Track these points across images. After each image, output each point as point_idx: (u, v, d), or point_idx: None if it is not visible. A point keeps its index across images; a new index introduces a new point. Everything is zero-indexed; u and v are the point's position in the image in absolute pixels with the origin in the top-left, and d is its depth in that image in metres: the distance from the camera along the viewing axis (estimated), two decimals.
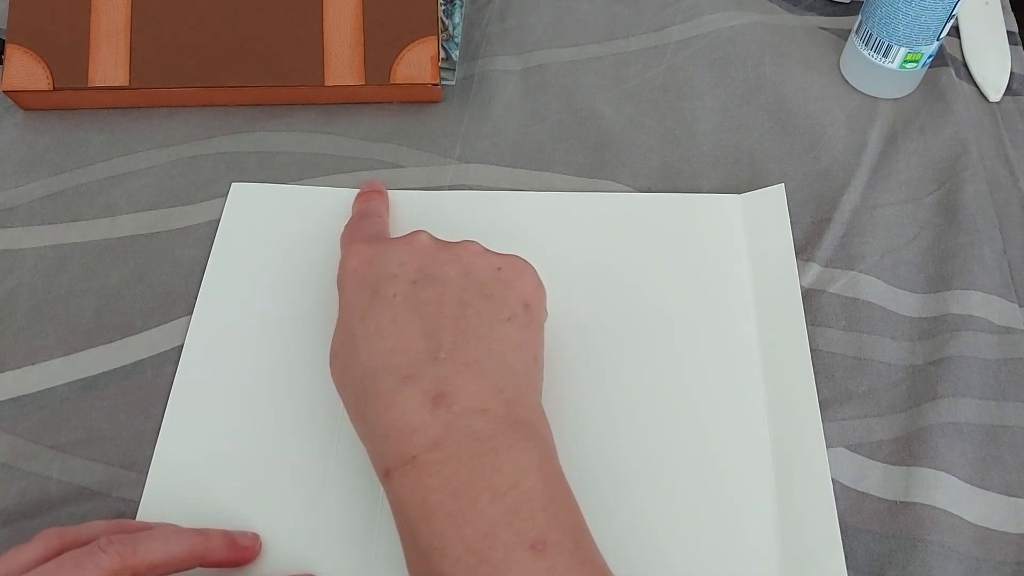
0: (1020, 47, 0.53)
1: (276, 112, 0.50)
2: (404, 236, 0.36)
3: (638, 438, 0.38)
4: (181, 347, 0.40)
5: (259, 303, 0.42)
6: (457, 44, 0.52)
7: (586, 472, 0.37)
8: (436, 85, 0.48)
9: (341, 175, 0.47)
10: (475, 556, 0.26)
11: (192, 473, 0.37)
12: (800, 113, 0.50)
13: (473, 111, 0.50)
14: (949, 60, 0.52)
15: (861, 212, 0.45)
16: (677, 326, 0.41)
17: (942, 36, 0.47)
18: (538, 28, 0.55)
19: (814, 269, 0.43)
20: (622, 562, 0.35)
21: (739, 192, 0.46)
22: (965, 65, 0.53)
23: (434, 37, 0.48)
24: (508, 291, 0.34)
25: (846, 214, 0.45)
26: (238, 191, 0.46)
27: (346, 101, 0.50)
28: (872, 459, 0.37)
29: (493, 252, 0.36)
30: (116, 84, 0.48)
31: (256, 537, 0.34)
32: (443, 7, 0.52)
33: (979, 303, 0.41)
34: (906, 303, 0.42)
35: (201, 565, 0.32)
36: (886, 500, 0.36)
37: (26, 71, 0.47)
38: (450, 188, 0.47)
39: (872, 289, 0.42)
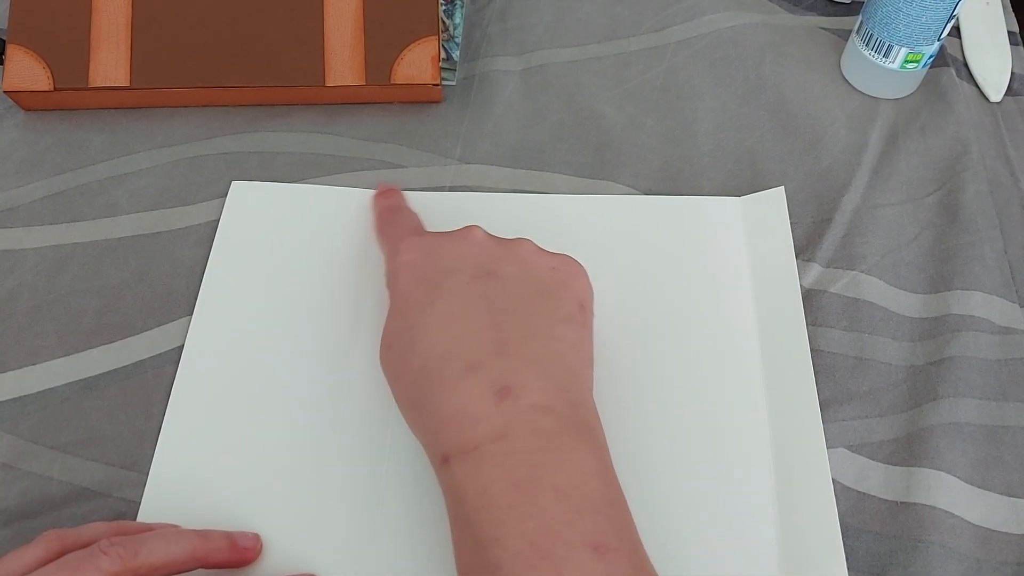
0: (1021, 47, 0.53)
1: (277, 112, 0.50)
2: (458, 231, 0.36)
3: (639, 439, 0.38)
4: (182, 347, 0.40)
5: (260, 302, 0.42)
6: (458, 44, 0.52)
7: None
8: (437, 85, 0.48)
9: (342, 175, 0.47)
10: (536, 551, 0.26)
11: (193, 473, 0.37)
12: (801, 113, 0.50)
13: (474, 111, 0.50)
14: (950, 60, 0.52)
15: (862, 212, 0.45)
16: (677, 328, 0.41)
17: (943, 36, 0.47)
18: (539, 28, 0.55)
19: (815, 269, 0.43)
20: None
21: (739, 192, 0.46)
22: (966, 65, 0.53)
23: (435, 37, 0.48)
24: (564, 291, 0.34)
25: (847, 214, 0.45)
26: (238, 190, 0.46)
27: (347, 101, 0.50)
28: (873, 459, 0.37)
29: (547, 251, 0.36)
30: (117, 84, 0.48)
31: (257, 538, 0.34)
32: (444, 7, 0.52)
33: (980, 303, 0.41)
34: (907, 303, 0.42)
35: (202, 566, 0.32)
36: (887, 500, 0.36)
37: (27, 71, 0.47)
38: (451, 188, 0.47)
39: (873, 289, 0.42)
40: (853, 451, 0.38)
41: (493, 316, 0.32)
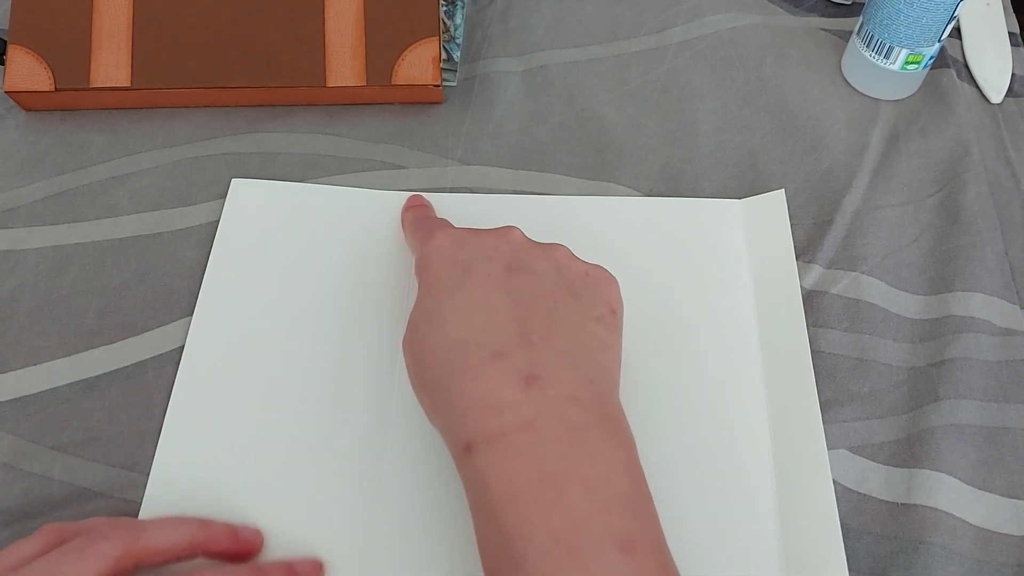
0: (1021, 48, 0.53)
1: (278, 113, 0.50)
2: (497, 228, 0.36)
3: (640, 440, 0.38)
4: (183, 347, 0.40)
5: (260, 301, 0.42)
6: (458, 45, 0.52)
7: None
8: (437, 86, 0.48)
9: (343, 176, 0.47)
10: (563, 548, 0.26)
11: (194, 474, 0.37)
12: (801, 114, 0.50)
13: (475, 112, 0.50)
14: (950, 61, 0.52)
15: (863, 213, 0.45)
16: (678, 329, 0.41)
17: (943, 37, 0.47)
18: (539, 29, 0.55)
19: (816, 270, 0.43)
20: None
21: (740, 193, 0.46)
22: (966, 66, 0.53)
23: (435, 38, 0.48)
24: (596, 294, 0.35)
25: (848, 215, 0.45)
26: (239, 187, 0.46)
27: (347, 102, 0.50)
28: (874, 461, 0.37)
29: (581, 259, 0.36)
30: (118, 85, 0.48)
31: (259, 533, 0.34)
32: (444, 8, 0.52)
33: (980, 305, 0.41)
34: (908, 305, 0.42)
35: (204, 555, 0.32)
36: (887, 502, 0.36)
37: (28, 72, 0.47)
38: (451, 189, 0.47)
39: (874, 290, 0.42)
40: (854, 452, 0.38)
41: (523, 307, 0.32)
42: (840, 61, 0.53)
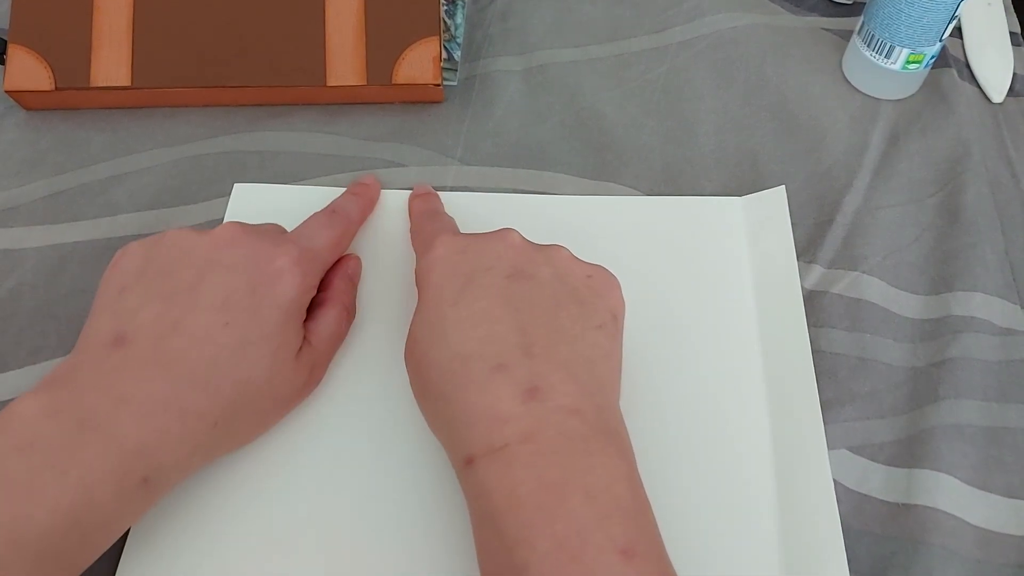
0: (1022, 48, 0.53)
1: (278, 112, 0.50)
2: (495, 232, 0.36)
3: (640, 440, 0.38)
4: None
5: None
6: (459, 44, 0.52)
7: None
8: (438, 85, 0.48)
9: (343, 175, 0.47)
10: (565, 553, 0.26)
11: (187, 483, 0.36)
12: (802, 114, 0.50)
13: (475, 111, 0.50)
14: (951, 61, 0.52)
15: (863, 213, 0.45)
16: (678, 328, 0.41)
17: (944, 37, 0.47)
18: (540, 28, 0.55)
19: (816, 270, 0.43)
20: None
21: (740, 192, 0.46)
22: (968, 66, 0.53)
23: (436, 37, 0.48)
24: (598, 300, 0.34)
25: (848, 215, 0.45)
26: (241, 192, 0.46)
27: (348, 101, 0.50)
28: (874, 461, 0.37)
29: (582, 260, 0.36)
30: (118, 84, 0.48)
31: (371, 178, 0.44)
32: (445, 7, 0.52)
33: (981, 304, 0.41)
34: (908, 304, 0.42)
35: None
36: (888, 502, 0.36)
37: (28, 71, 0.47)
38: (452, 188, 0.47)
39: (874, 290, 0.42)
40: (854, 452, 0.37)
41: (523, 317, 0.32)
42: (841, 61, 0.53)
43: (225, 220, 0.45)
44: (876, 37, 0.48)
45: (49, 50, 0.47)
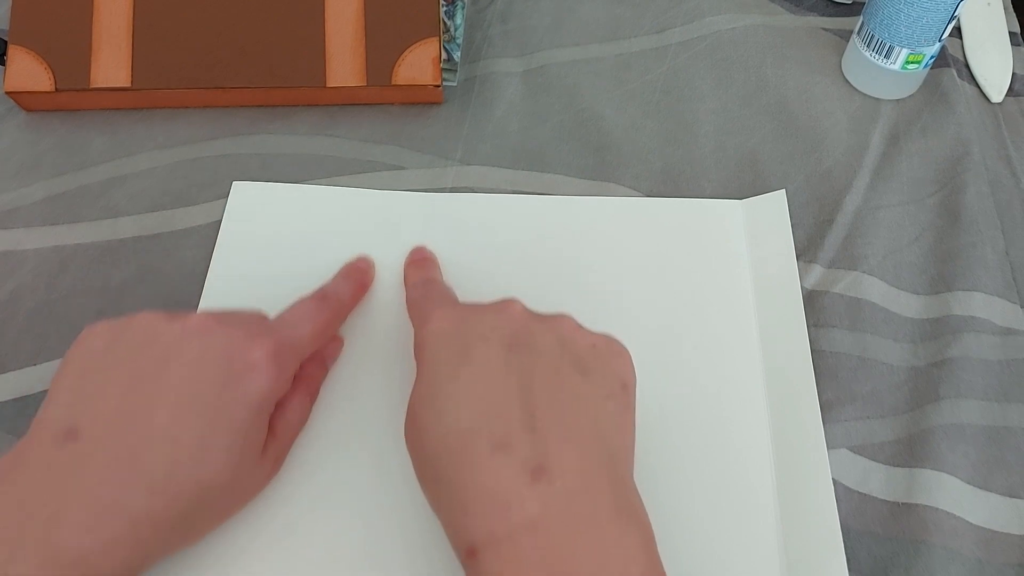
0: (1022, 47, 0.53)
1: (278, 114, 0.50)
2: (495, 303, 0.34)
3: (640, 441, 0.38)
4: None
5: (263, 306, 0.41)
6: (459, 45, 0.52)
7: None
8: (437, 86, 0.48)
9: (343, 177, 0.47)
10: None
11: None
12: (802, 114, 0.50)
13: (475, 112, 0.50)
14: (951, 61, 0.52)
15: (863, 213, 0.45)
16: (678, 329, 0.41)
17: (944, 37, 0.47)
18: (540, 29, 0.55)
19: (817, 270, 0.43)
20: None
21: (741, 193, 0.46)
22: (967, 66, 0.53)
23: (435, 38, 0.48)
24: (605, 368, 0.32)
25: (848, 215, 0.45)
26: (240, 190, 0.46)
27: (347, 102, 0.50)
28: (875, 461, 0.37)
29: (587, 329, 0.34)
30: (118, 85, 0.48)
31: (366, 261, 0.42)
32: (444, 8, 0.52)
33: (981, 304, 0.41)
34: (908, 304, 0.42)
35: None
36: (888, 502, 0.36)
37: (28, 72, 0.47)
38: (452, 189, 0.47)
39: (874, 290, 0.42)
40: (855, 452, 0.37)
41: (525, 389, 0.30)
42: (840, 61, 0.53)
43: (224, 218, 0.45)
44: (876, 37, 0.48)
45: (49, 51, 0.47)
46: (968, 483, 0.36)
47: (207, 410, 0.30)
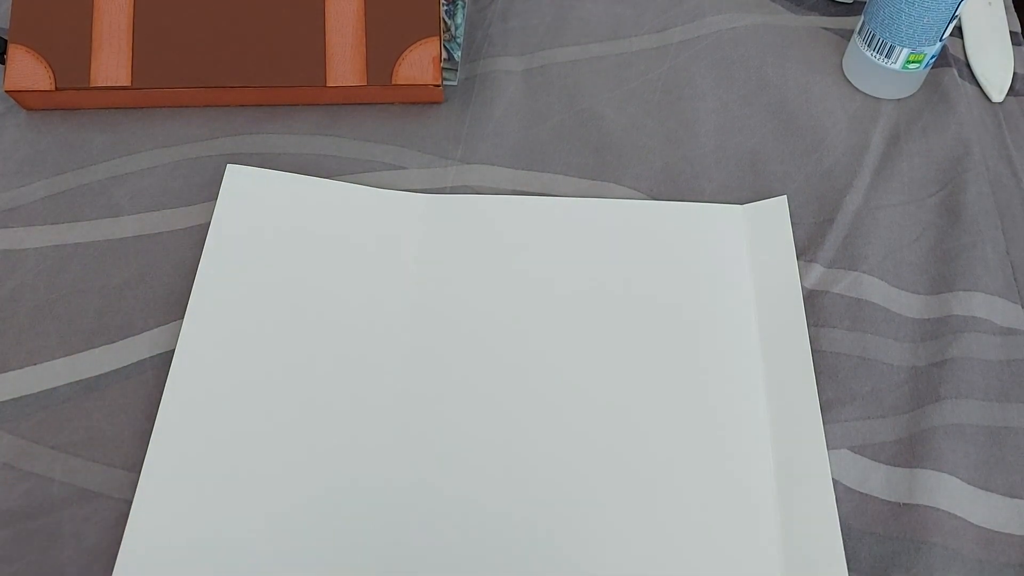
0: (1022, 47, 0.53)
1: (278, 113, 0.50)
2: None
3: (641, 442, 0.38)
4: None
5: (254, 299, 0.41)
6: (459, 44, 0.52)
7: (588, 474, 0.37)
8: (438, 86, 0.48)
9: (343, 176, 0.47)
10: None
11: (186, 474, 0.36)
12: (802, 114, 0.50)
13: (475, 112, 0.50)
14: (952, 60, 0.52)
15: (864, 213, 0.45)
16: (679, 331, 0.41)
17: (945, 37, 0.47)
18: (540, 29, 0.55)
19: (817, 270, 0.43)
20: (625, 564, 0.34)
21: (741, 192, 0.46)
22: (968, 66, 0.53)
23: (436, 38, 0.48)
24: None
25: (849, 215, 0.45)
26: (234, 174, 0.45)
27: (348, 102, 0.50)
28: (875, 461, 0.37)
29: None
30: (118, 84, 0.48)
31: None
32: (445, 8, 0.52)
33: (982, 304, 0.41)
34: (909, 304, 0.42)
35: None
36: (889, 502, 0.36)
37: (29, 71, 0.47)
38: (451, 189, 0.47)
39: (875, 290, 0.42)
40: (855, 452, 0.37)
41: None
42: (841, 60, 0.53)
43: (218, 203, 0.44)
44: (876, 37, 0.48)
45: (49, 50, 0.47)
46: (968, 483, 0.36)
47: None
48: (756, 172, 0.47)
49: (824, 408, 0.38)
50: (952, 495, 0.36)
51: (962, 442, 0.37)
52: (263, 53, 0.48)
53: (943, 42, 0.47)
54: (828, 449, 0.37)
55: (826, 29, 0.55)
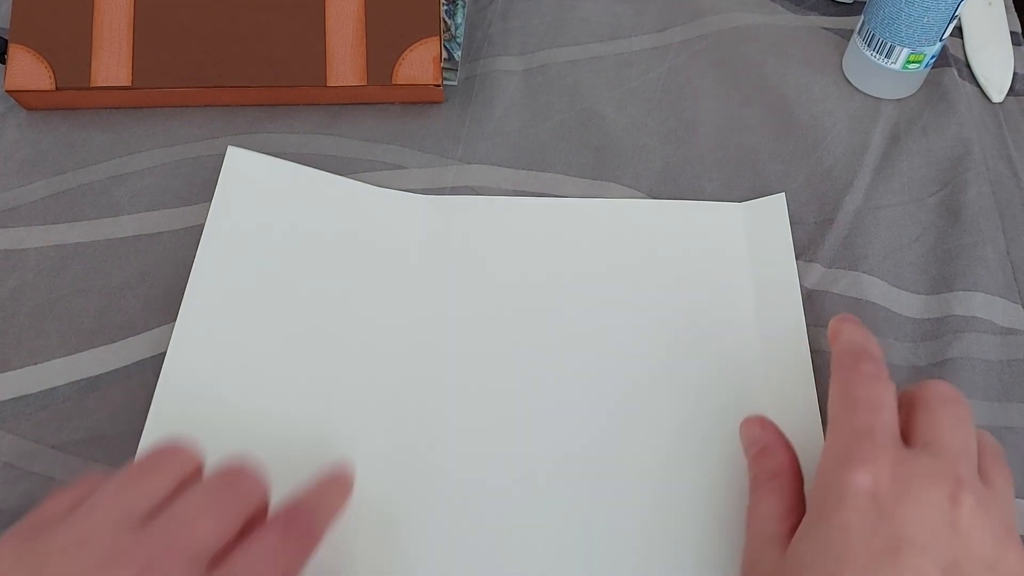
0: (1023, 47, 0.53)
1: (278, 113, 0.50)
2: (943, 472, 0.28)
3: (640, 442, 0.38)
4: None
5: (252, 288, 0.41)
6: (459, 44, 0.52)
7: (588, 474, 0.37)
8: (438, 86, 0.48)
9: (343, 176, 0.47)
10: None
11: None
12: (802, 114, 0.50)
13: (475, 112, 0.50)
14: (952, 60, 0.52)
15: (864, 213, 0.45)
16: (678, 331, 0.41)
17: (945, 36, 0.47)
18: (540, 28, 0.55)
19: (817, 270, 0.43)
20: (624, 563, 0.35)
21: (741, 192, 0.46)
22: (968, 65, 0.53)
23: (436, 37, 0.48)
24: None
25: (849, 215, 0.45)
26: (234, 156, 0.45)
27: (348, 102, 0.50)
28: None
29: None
30: (119, 84, 0.48)
31: (342, 465, 0.32)
32: (445, 7, 0.52)
33: (982, 304, 0.41)
34: (909, 304, 0.42)
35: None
36: None
37: (29, 71, 0.47)
38: (452, 189, 0.47)
39: (875, 290, 0.42)
40: None
41: None
42: (841, 60, 0.53)
43: (218, 187, 0.44)
44: (876, 36, 0.48)
45: (50, 50, 0.47)
46: None
47: None
48: (756, 171, 0.47)
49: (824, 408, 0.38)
50: None
51: None
52: (263, 53, 0.48)
53: (943, 42, 0.47)
54: None
55: (826, 29, 0.55)
